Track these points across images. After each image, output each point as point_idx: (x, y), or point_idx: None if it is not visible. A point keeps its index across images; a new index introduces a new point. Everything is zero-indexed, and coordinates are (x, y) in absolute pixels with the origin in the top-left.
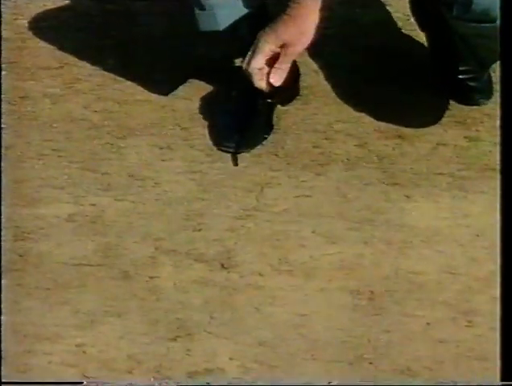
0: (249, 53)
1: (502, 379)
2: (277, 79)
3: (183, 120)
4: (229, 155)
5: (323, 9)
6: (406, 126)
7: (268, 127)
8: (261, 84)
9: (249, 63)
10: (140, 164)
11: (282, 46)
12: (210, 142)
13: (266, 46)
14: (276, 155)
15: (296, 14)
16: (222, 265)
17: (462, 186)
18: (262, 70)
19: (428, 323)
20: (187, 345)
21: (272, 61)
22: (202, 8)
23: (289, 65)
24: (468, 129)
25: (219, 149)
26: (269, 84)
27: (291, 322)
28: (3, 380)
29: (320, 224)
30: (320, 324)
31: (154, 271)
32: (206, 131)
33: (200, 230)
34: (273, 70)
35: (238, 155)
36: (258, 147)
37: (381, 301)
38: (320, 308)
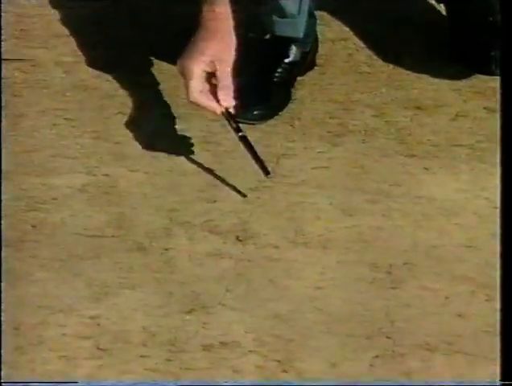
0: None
1: (502, 379)
2: (225, 98)
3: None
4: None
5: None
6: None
7: (286, 98)
8: (214, 107)
9: (188, 95)
10: (154, 134)
11: (213, 62)
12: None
13: (195, 69)
14: (292, 126)
15: (214, 27)
16: (237, 237)
17: (481, 158)
18: (207, 94)
19: (447, 297)
20: (202, 318)
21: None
22: (283, 16)
23: (230, 80)
24: (487, 100)
25: (235, 121)
26: (222, 104)
27: (307, 295)
28: (3, 380)
29: (337, 196)
30: (337, 297)
31: (168, 243)
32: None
33: (214, 201)
34: (218, 91)
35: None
36: (275, 117)
37: (400, 274)
38: (336, 281)
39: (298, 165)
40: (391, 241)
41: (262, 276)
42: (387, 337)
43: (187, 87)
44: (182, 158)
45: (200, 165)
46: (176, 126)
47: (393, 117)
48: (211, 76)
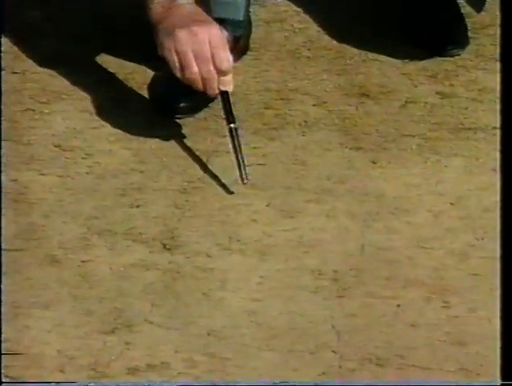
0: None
1: (502, 379)
2: (225, 82)
3: (117, 80)
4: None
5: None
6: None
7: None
8: (213, 88)
9: (185, 72)
10: (67, 132)
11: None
12: (149, 106)
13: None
14: (223, 119)
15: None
16: (164, 246)
17: (434, 149)
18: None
19: (399, 305)
20: (126, 338)
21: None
22: None
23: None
24: (440, 84)
25: (160, 114)
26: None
27: (244, 309)
28: (3, 380)
29: (275, 196)
30: (277, 310)
31: (86, 254)
32: (144, 92)
33: (138, 206)
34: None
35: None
36: (204, 110)
37: (346, 281)
38: (276, 291)
39: (230, 163)
40: (336, 245)
41: (192, 288)
42: (333, 351)
43: (183, 64)
44: (100, 159)
45: (120, 165)
46: (93, 122)
47: (336, 105)
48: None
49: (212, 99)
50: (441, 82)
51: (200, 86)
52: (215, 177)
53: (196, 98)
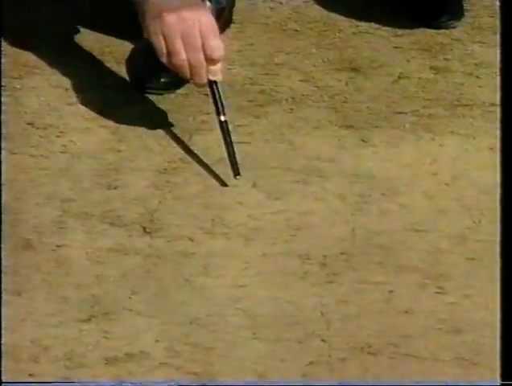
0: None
1: (502, 379)
2: (214, 71)
3: (94, 55)
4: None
5: None
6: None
7: None
8: (201, 77)
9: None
10: (41, 109)
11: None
12: (127, 81)
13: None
14: (207, 95)
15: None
16: (144, 229)
17: (429, 127)
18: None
19: (391, 291)
20: (104, 326)
21: None
22: None
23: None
24: (434, 59)
25: (138, 90)
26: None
27: (228, 295)
28: (3, 380)
29: (261, 177)
30: (263, 296)
31: (61, 238)
32: (122, 68)
33: (116, 188)
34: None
35: None
36: (186, 86)
37: (336, 266)
38: (262, 277)
39: (214, 141)
40: (325, 228)
41: (174, 274)
42: (322, 340)
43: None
44: (75, 137)
45: (97, 145)
46: (68, 99)
47: (325, 81)
48: None
49: None
50: (435, 56)
51: (187, 74)
52: (197, 157)
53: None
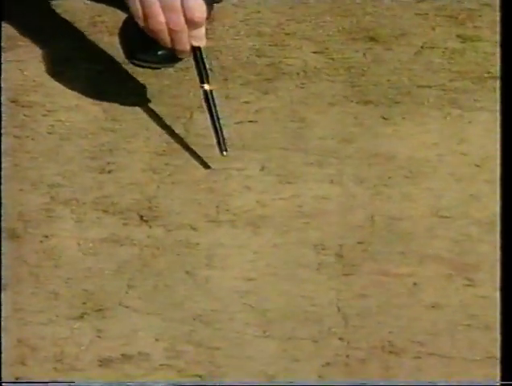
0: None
1: (502, 379)
2: (197, 36)
3: (83, 24)
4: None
5: None
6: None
7: None
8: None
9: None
10: (25, 85)
11: None
12: (121, 53)
13: None
14: (210, 69)
15: None
16: (141, 218)
17: (456, 102)
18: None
19: (415, 283)
20: (98, 324)
21: None
22: None
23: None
24: (462, 26)
25: (133, 63)
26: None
27: (236, 289)
28: (3, 380)
29: (270, 159)
30: (274, 290)
31: (50, 228)
32: (115, 39)
33: (109, 171)
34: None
35: None
36: (185, 59)
37: (354, 257)
38: (272, 269)
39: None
40: (341, 215)
41: (175, 266)
42: (339, 338)
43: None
44: (64, 116)
45: (88, 124)
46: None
47: (340, 52)
48: None
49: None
50: (463, 23)
51: (167, 40)
52: (200, 136)
53: None
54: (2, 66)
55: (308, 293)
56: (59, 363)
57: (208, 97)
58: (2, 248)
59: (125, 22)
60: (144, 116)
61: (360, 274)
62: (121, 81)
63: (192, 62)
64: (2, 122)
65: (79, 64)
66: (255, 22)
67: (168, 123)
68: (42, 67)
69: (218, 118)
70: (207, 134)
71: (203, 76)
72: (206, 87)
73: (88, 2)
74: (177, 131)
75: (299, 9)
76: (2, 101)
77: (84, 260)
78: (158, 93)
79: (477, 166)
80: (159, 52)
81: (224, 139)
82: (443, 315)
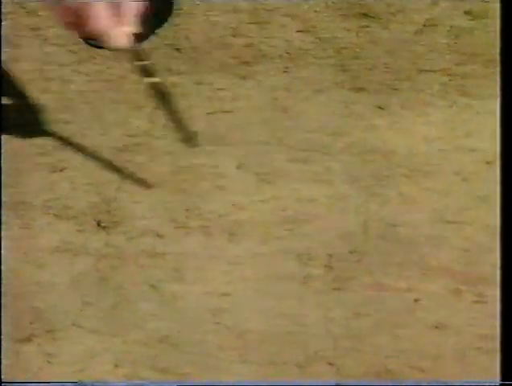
0: None
1: (502, 379)
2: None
3: (32, 5)
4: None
5: None
6: None
7: (169, 9)
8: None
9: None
10: None
11: None
12: (77, 35)
13: None
14: (178, 50)
15: None
16: (98, 223)
17: (463, 89)
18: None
19: (416, 300)
20: (48, 347)
21: None
22: None
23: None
24: (469, 1)
25: (91, 45)
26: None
27: (208, 307)
28: (3, 380)
29: (249, 155)
30: (252, 308)
31: None
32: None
33: (62, 170)
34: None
35: None
36: (152, 39)
37: (345, 268)
38: (250, 283)
39: (187, 109)
40: (330, 220)
41: (137, 280)
42: (329, 363)
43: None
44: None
45: (42, 120)
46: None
47: (329, 31)
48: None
49: (161, 22)
50: None
51: (102, 39)
52: (167, 128)
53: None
54: None
55: (292, 311)
56: None
57: (155, 90)
58: None
59: None
60: (101, 105)
61: (352, 289)
62: (74, 64)
63: (154, 44)
64: None
65: (27, 46)
66: None
67: (129, 114)
68: None
69: (176, 109)
70: (176, 126)
71: (145, 69)
72: (152, 80)
73: None
74: (140, 123)
75: None
76: None
77: (32, 273)
78: (119, 79)
79: (487, 163)
80: None
81: (187, 129)
82: (449, 337)
